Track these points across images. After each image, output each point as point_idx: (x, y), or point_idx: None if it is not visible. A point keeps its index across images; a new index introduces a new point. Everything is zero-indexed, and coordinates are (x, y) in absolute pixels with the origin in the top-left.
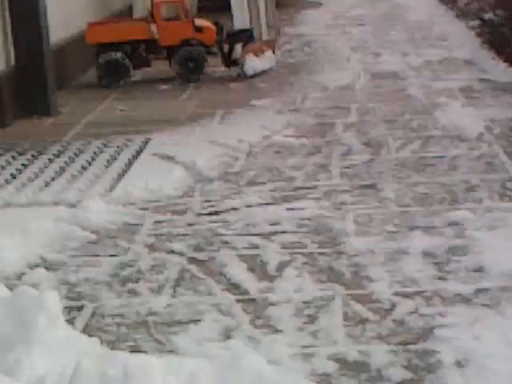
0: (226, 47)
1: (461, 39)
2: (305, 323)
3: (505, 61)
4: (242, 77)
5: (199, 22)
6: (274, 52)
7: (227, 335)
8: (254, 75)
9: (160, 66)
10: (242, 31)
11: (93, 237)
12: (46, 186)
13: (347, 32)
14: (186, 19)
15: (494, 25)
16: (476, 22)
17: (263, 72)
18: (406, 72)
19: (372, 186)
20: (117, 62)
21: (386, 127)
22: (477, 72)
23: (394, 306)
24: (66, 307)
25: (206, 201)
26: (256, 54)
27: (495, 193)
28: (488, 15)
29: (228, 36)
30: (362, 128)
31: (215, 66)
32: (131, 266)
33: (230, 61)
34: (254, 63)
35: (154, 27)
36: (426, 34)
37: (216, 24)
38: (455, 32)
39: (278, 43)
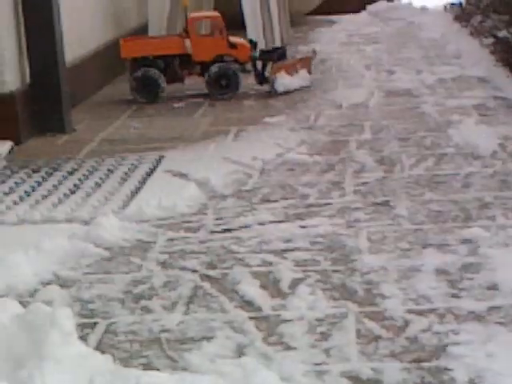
0: (259, 64)
1: (475, 57)
2: (318, 340)
3: None
4: (273, 94)
5: (233, 39)
6: (310, 71)
7: (240, 352)
8: (286, 93)
9: (175, 84)
10: (275, 49)
11: (106, 254)
12: (59, 203)
13: (361, 50)
14: (220, 35)
15: (508, 42)
16: (490, 40)
17: (296, 90)
18: (419, 89)
19: (385, 204)
20: (150, 77)
21: (399, 145)
22: (490, 90)
23: (407, 323)
24: (78, 324)
25: (220, 218)
26: (288, 72)
27: (509, 210)
28: (502, 33)
29: (262, 53)
30: (376, 145)
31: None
32: (144, 283)
33: (263, 78)
34: (284, 81)
35: (188, 42)
36: (440, 52)
37: (250, 41)
38: (469, 50)
39: (314, 62)
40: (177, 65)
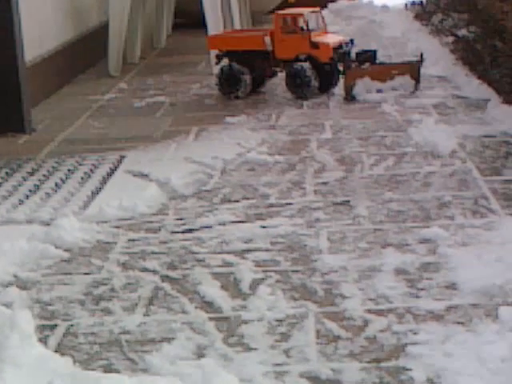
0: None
1: (435, 56)
2: (277, 341)
3: (478, 77)
4: (349, 100)
5: (321, 37)
6: (416, 79)
7: (200, 354)
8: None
9: (134, 84)
10: (366, 52)
11: (66, 255)
12: (19, 204)
13: None
14: (303, 33)
15: (468, 41)
16: (450, 39)
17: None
18: None
19: (345, 203)
20: (228, 71)
21: (359, 144)
22: (450, 89)
23: (366, 323)
24: (38, 326)
25: (180, 218)
26: (376, 78)
27: (468, 210)
28: (462, 32)
29: (357, 56)
30: (336, 145)
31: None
32: (105, 285)
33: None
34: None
35: (267, 39)
36: (401, 51)
37: (351, 41)
38: (429, 48)
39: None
40: (261, 61)
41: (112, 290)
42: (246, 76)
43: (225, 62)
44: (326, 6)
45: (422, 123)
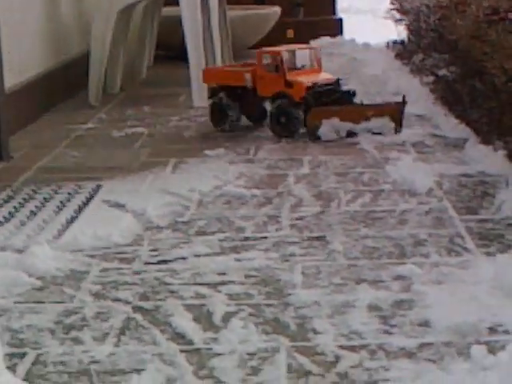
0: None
1: (415, 94)
2: (248, 375)
3: (457, 117)
4: (313, 140)
5: (298, 76)
6: (398, 123)
7: None
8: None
9: (113, 114)
10: (339, 91)
11: (38, 283)
12: None
13: None
14: (279, 71)
15: (448, 81)
16: (430, 78)
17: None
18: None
19: (321, 238)
20: (218, 105)
21: (337, 180)
22: (429, 127)
23: (338, 358)
24: (7, 354)
25: (155, 249)
26: (347, 119)
27: (443, 248)
28: (442, 71)
29: (328, 95)
30: (314, 180)
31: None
32: (76, 314)
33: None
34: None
35: (248, 76)
36: (381, 89)
37: (338, 81)
38: (409, 87)
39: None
40: (248, 97)
41: (83, 319)
42: (232, 111)
43: (213, 95)
44: (307, 43)
45: (399, 161)
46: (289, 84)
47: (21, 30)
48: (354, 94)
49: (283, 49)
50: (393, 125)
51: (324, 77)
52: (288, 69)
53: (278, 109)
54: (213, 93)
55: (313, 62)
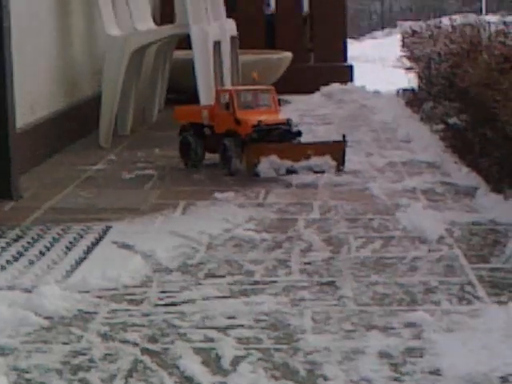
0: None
1: (425, 142)
2: None
3: (467, 165)
4: (252, 176)
5: (247, 115)
6: (339, 162)
7: None
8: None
9: (124, 156)
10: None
11: (46, 323)
12: (2, 270)
13: (313, 130)
14: (229, 110)
15: (458, 129)
16: (440, 126)
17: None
18: (369, 172)
19: (331, 284)
20: (184, 143)
21: (347, 225)
22: (439, 175)
23: None
24: None
25: (164, 291)
26: (286, 157)
27: (454, 296)
28: (453, 120)
29: (259, 132)
30: (324, 225)
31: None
32: (83, 355)
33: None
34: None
35: (205, 113)
36: (391, 136)
37: (288, 121)
38: (419, 135)
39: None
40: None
41: (91, 360)
42: (196, 148)
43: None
44: (318, 89)
45: (410, 208)
46: (237, 122)
47: (33, 70)
48: (299, 133)
49: (240, 88)
50: (334, 163)
51: (274, 117)
52: (242, 108)
53: (223, 145)
54: (183, 130)
55: (270, 103)
